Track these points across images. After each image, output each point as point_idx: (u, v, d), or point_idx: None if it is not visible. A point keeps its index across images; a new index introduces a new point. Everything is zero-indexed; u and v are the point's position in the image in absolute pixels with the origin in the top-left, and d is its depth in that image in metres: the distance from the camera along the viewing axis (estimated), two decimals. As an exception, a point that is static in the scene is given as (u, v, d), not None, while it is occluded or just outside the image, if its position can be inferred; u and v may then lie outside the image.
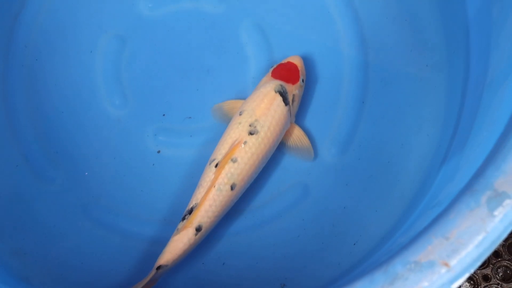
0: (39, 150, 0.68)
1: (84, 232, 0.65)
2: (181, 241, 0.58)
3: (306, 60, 0.69)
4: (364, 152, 0.67)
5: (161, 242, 0.60)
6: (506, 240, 0.69)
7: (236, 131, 0.61)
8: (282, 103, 0.63)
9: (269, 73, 0.66)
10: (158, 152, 0.68)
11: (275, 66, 0.67)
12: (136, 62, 0.71)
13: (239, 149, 0.60)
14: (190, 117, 0.69)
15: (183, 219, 0.59)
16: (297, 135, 0.66)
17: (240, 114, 0.62)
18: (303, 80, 0.67)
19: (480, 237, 0.38)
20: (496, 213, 0.39)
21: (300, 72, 0.66)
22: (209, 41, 0.71)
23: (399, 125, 0.68)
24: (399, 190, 0.65)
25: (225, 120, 0.66)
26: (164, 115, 0.69)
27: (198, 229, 0.58)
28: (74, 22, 0.71)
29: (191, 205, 0.59)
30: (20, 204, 0.65)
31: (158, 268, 0.57)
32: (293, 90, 0.65)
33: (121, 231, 0.65)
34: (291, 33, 0.72)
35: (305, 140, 0.66)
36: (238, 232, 0.65)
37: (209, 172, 0.60)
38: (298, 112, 0.68)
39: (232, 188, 0.60)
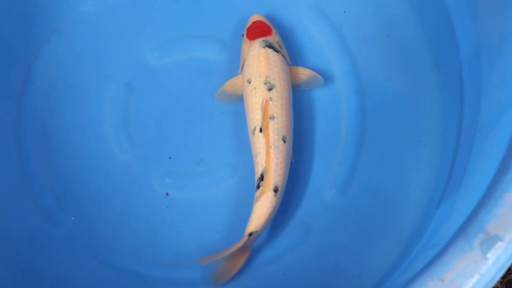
0: (49, 195, 0.70)
1: (94, 274, 0.66)
2: (264, 206, 0.62)
3: (304, 104, 0.73)
4: (363, 192, 0.70)
5: (171, 284, 0.61)
6: (503, 277, 0.71)
7: (257, 95, 0.65)
8: (275, 52, 0.68)
9: (245, 39, 0.71)
10: (167, 194, 0.70)
11: (245, 32, 0.71)
12: (143, 108, 0.73)
13: (271, 107, 0.65)
14: (201, 160, 0.71)
15: (258, 187, 0.63)
16: (300, 72, 0.70)
17: (249, 82, 0.67)
18: (274, 27, 0.72)
19: (474, 279, 0.40)
20: (489, 255, 0.41)
21: (267, 23, 0.71)
22: (212, 87, 0.73)
23: (397, 167, 0.70)
24: (397, 230, 0.67)
25: (233, 100, 0.71)
26: (170, 158, 0.72)
27: (275, 190, 0.63)
28: (83, 71, 0.74)
29: (259, 173, 0.64)
30: (31, 248, 0.67)
31: (250, 234, 0.62)
32: (274, 39, 0.70)
33: (130, 274, 0.67)
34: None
35: (307, 71, 0.70)
36: (240, 273, 0.66)
37: (259, 139, 0.64)
38: (300, 151, 0.71)
39: (284, 140, 0.64)
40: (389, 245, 0.66)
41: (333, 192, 0.70)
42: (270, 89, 0.65)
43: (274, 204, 0.63)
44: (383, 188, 0.70)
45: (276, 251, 0.68)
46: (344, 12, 0.76)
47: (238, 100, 0.70)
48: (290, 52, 0.73)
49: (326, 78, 0.74)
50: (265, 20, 0.72)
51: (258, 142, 0.65)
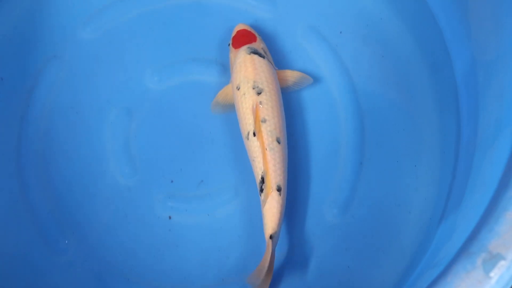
0: (51, 222, 0.70)
1: (98, 301, 0.66)
2: (273, 207, 0.63)
3: (305, 125, 0.73)
4: (364, 212, 0.70)
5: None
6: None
7: (247, 101, 0.67)
8: (260, 58, 0.70)
9: (231, 49, 0.73)
10: (169, 218, 0.70)
11: (231, 42, 0.73)
12: (143, 132, 0.74)
13: (261, 110, 0.66)
14: (201, 181, 0.72)
15: (261, 190, 0.65)
16: (287, 75, 0.72)
17: (238, 89, 0.68)
18: (258, 35, 0.73)
19: (477, 299, 0.40)
20: (492, 274, 0.41)
21: (252, 31, 0.73)
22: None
23: (396, 185, 0.71)
24: (399, 249, 0.67)
25: (227, 109, 0.72)
26: (172, 181, 0.72)
27: (279, 189, 0.64)
28: (83, 97, 0.75)
29: (259, 176, 0.65)
30: (35, 275, 0.67)
31: (271, 237, 0.63)
32: (259, 45, 0.72)
33: (135, 299, 0.67)
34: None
35: (295, 73, 0.73)
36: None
37: (253, 143, 0.66)
38: (300, 171, 0.72)
39: (278, 141, 0.66)
40: (391, 265, 0.66)
41: (334, 212, 0.70)
42: (259, 93, 0.67)
43: (281, 202, 0.64)
44: (384, 207, 0.70)
45: (278, 272, 0.68)
46: (340, 32, 0.77)
47: (232, 109, 0.71)
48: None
49: (324, 99, 0.74)
50: (249, 29, 0.74)
51: (253, 146, 0.66)
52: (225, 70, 0.76)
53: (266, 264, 0.62)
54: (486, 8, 0.61)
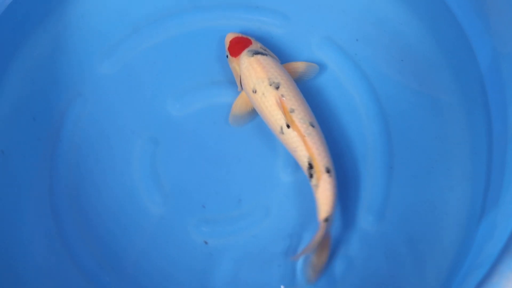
0: (89, 257, 0.71)
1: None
2: (325, 189, 0.64)
3: (330, 133, 0.73)
4: (400, 217, 0.69)
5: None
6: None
7: (269, 98, 0.68)
8: (264, 56, 0.71)
9: (231, 59, 0.73)
10: (205, 243, 0.70)
11: (228, 52, 0.74)
12: (170, 160, 0.74)
13: (286, 102, 0.67)
14: (239, 200, 0.72)
15: (311, 176, 0.65)
16: (294, 66, 0.73)
17: (255, 92, 0.69)
18: (252, 37, 0.75)
19: (527, 298, 0.39)
20: (539, 271, 0.40)
21: (243, 36, 0.74)
22: (236, 132, 0.75)
23: (430, 186, 0.69)
24: (441, 251, 0.66)
25: (246, 119, 0.73)
26: (204, 206, 0.72)
27: (328, 171, 0.65)
28: (108, 131, 0.75)
29: (306, 162, 0.66)
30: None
31: (326, 220, 0.63)
32: (257, 45, 0.73)
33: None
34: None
35: (301, 64, 0.74)
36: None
37: (290, 134, 0.66)
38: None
39: (313, 126, 0.66)
40: (435, 268, 0.65)
41: (370, 220, 0.69)
42: (277, 88, 0.68)
43: (333, 184, 0.64)
44: (419, 210, 0.69)
45: (320, 285, 0.67)
46: (357, 40, 0.77)
47: (251, 116, 0.73)
48: (306, 84, 0.75)
49: (347, 106, 0.74)
50: (240, 34, 0.74)
51: (291, 137, 0.66)
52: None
53: (314, 245, 0.63)
54: (504, 4, 0.60)
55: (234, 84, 0.76)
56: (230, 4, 0.80)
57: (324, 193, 0.64)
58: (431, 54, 0.75)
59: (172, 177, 0.73)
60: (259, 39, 0.77)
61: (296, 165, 0.72)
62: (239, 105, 0.73)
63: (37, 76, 0.78)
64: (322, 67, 0.76)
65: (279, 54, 0.76)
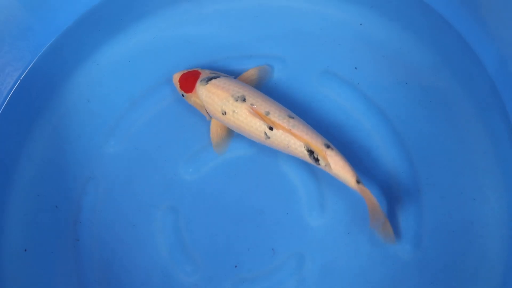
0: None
1: None
2: (337, 160, 0.65)
3: (355, 159, 0.71)
4: (438, 240, 0.67)
5: None
6: None
7: (242, 112, 0.69)
8: (217, 79, 0.72)
9: (187, 96, 0.74)
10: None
11: (182, 91, 0.74)
12: (194, 226, 0.72)
13: (258, 108, 0.68)
14: (272, 250, 0.70)
15: (317, 160, 0.66)
16: (249, 74, 0.76)
17: (225, 113, 0.70)
18: (196, 68, 0.76)
19: None
20: None
21: (189, 70, 0.75)
22: (253, 182, 0.73)
23: (462, 203, 0.68)
24: (488, 268, 0.64)
25: (228, 140, 0.75)
26: (236, 266, 0.70)
27: (328, 146, 0.66)
28: (126, 208, 0.74)
29: (305, 150, 0.66)
30: None
31: (358, 182, 0.64)
32: (206, 73, 0.74)
33: None
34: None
35: (252, 71, 0.76)
36: None
37: (277, 135, 0.67)
38: (359, 214, 0.70)
39: (291, 117, 0.68)
40: (486, 286, 0.63)
41: (407, 248, 0.67)
42: (244, 100, 0.69)
43: (339, 153, 0.66)
44: (457, 230, 0.67)
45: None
46: (356, 68, 0.76)
47: (231, 137, 0.74)
48: (321, 123, 0.74)
49: (359, 135, 0.73)
50: (185, 70, 0.75)
51: (279, 137, 0.67)
52: (253, 142, 0.75)
53: (375, 202, 0.63)
54: (500, 5, 0.59)
55: (242, 136, 0.75)
56: (223, 58, 0.79)
57: (338, 164, 0.65)
58: (435, 67, 0.74)
59: (199, 243, 0.71)
60: (258, 88, 0.76)
61: (321, 207, 0.70)
62: (215, 131, 0.74)
63: (45, 166, 0.76)
64: (328, 101, 0.76)
65: (282, 97, 0.75)
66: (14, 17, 0.78)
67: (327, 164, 0.65)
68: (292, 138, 0.66)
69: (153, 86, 0.79)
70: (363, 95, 0.75)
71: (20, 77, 0.80)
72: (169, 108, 0.78)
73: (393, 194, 0.70)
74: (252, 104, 0.68)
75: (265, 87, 0.77)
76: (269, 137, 0.68)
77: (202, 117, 0.76)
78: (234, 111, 0.69)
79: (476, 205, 0.67)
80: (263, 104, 0.68)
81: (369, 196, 0.64)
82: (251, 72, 0.76)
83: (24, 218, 0.74)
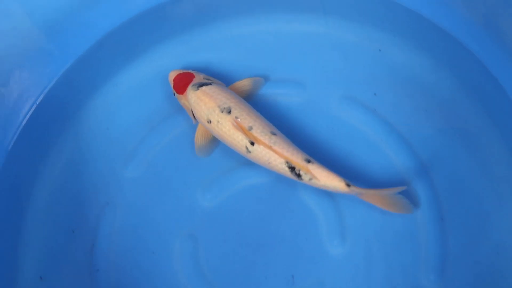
0: None
1: None
2: (321, 171, 0.65)
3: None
4: (462, 269, 0.66)
5: None
6: None
7: (225, 124, 0.69)
8: (209, 86, 0.72)
9: (179, 96, 0.75)
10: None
11: (174, 91, 0.75)
12: (213, 254, 0.71)
13: (242, 122, 0.69)
14: (292, 276, 0.69)
15: (299, 175, 0.66)
16: (240, 85, 0.76)
17: (210, 122, 0.70)
18: (193, 70, 0.77)
19: None
20: None
21: (185, 72, 0.76)
22: (271, 208, 0.72)
23: (487, 230, 0.67)
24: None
25: (211, 146, 0.75)
26: (257, 294, 0.69)
27: (309, 161, 0.66)
28: (144, 235, 0.72)
29: (286, 167, 0.67)
30: None
31: (348, 185, 0.65)
32: (199, 77, 0.75)
33: None
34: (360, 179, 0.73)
35: (245, 81, 0.77)
36: None
37: (257, 150, 0.68)
38: (381, 244, 0.69)
39: (274, 133, 0.68)
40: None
41: (431, 278, 0.66)
42: (229, 112, 0.69)
43: (321, 165, 0.66)
44: (482, 258, 0.66)
45: None
46: (375, 94, 0.76)
47: (215, 144, 0.75)
48: (338, 149, 0.73)
49: (380, 161, 0.72)
50: (182, 71, 0.76)
51: (259, 152, 0.68)
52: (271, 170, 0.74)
53: (374, 191, 0.65)
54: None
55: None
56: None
57: (322, 174, 0.65)
58: (454, 93, 0.74)
59: (218, 271, 0.70)
60: (277, 112, 0.75)
61: (342, 236, 0.69)
62: (200, 136, 0.74)
63: (61, 191, 0.75)
64: (347, 126, 0.75)
65: (300, 122, 0.74)
66: (33, 42, 0.77)
67: (312, 177, 0.66)
68: (273, 154, 0.67)
69: (170, 111, 0.79)
70: (384, 121, 0.74)
71: (37, 102, 0.79)
72: (187, 134, 0.77)
73: (416, 222, 0.69)
74: (236, 117, 0.69)
75: (283, 111, 0.76)
76: (250, 152, 0.69)
77: (220, 144, 0.76)
78: (218, 121, 0.70)
79: (502, 232, 0.66)
80: (247, 118, 0.69)
81: (365, 191, 0.65)
82: (245, 83, 0.77)
83: (40, 244, 0.73)
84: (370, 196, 0.66)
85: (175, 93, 0.75)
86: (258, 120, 0.69)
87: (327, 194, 0.71)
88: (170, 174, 0.75)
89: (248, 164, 0.74)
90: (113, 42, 0.84)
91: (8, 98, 0.77)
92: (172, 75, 0.76)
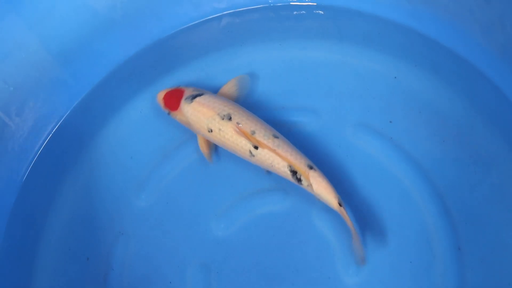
0: None
1: None
2: (320, 181, 0.66)
3: (387, 226, 0.69)
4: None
5: None
6: None
7: (227, 131, 0.70)
8: (202, 96, 0.73)
9: (174, 113, 0.75)
10: None
11: (167, 110, 0.75)
12: (226, 283, 0.70)
13: (244, 127, 0.69)
14: None
15: (300, 180, 0.67)
16: (228, 88, 0.77)
17: (211, 131, 0.71)
18: (178, 86, 0.77)
19: None
20: None
21: (173, 89, 0.76)
22: (285, 239, 0.71)
23: (506, 265, 0.65)
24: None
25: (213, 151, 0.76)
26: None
27: (311, 167, 0.67)
28: (157, 265, 0.72)
29: (288, 170, 0.67)
30: None
31: (340, 204, 0.65)
32: (190, 91, 0.75)
33: None
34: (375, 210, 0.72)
35: (231, 83, 0.77)
36: None
37: (261, 154, 0.68)
38: (398, 275, 0.67)
39: (276, 137, 0.69)
40: None
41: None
42: (230, 119, 0.70)
43: (322, 175, 0.66)
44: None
45: None
46: (390, 122, 0.75)
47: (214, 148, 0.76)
48: (355, 180, 0.73)
49: (396, 190, 0.71)
50: (169, 89, 0.76)
51: (263, 156, 0.68)
52: (287, 193, 0.73)
53: (353, 228, 0.65)
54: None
55: (275, 190, 0.74)
56: (255, 108, 0.78)
57: (320, 184, 0.66)
58: (471, 121, 0.73)
59: (231, 301, 0.69)
60: (292, 139, 0.74)
61: (358, 264, 0.68)
62: (203, 145, 0.75)
63: (74, 219, 0.75)
64: (362, 154, 0.74)
65: (314, 150, 0.74)
66: (47, 72, 0.78)
67: (309, 185, 0.66)
68: (276, 157, 0.68)
69: (183, 139, 0.79)
70: (400, 149, 0.73)
71: (52, 131, 0.80)
72: (200, 162, 0.77)
73: (432, 252, 0.68)
74: (238, 123, 0.69)
75: (298, 138, 0.75)
76: (253, 155, 0.69)
77: (235, 171, 0.75)
78: (220, 129, 0.70)
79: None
80: (249, 123, 0.69)
81: (348, 221, 0.65)
82: (231, 85, 0.77)
83: (54, 271, 0.73)
84: (347, 221, 0.66)
85: (169, 111, 0.75)
86: (259, 124, 0.70)
87: (342, 223, 0.70)
88: (183, 203, 0.75)
89: (262, 191, 0.74)
90: (127, 71, 0.84)
91: (22, 128, 0.78)
92: (160, 95, 0.77)
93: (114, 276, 0.72)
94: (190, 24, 0.86)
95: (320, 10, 0.84)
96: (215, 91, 0.78)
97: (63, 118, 0.80)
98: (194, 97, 0.73)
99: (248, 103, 0.79)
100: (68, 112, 0.81)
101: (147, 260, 0.72)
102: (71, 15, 0.78)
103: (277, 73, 0.81)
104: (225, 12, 0.87)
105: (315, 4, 0.84)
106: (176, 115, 0.75)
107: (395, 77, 0.78)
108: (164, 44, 0.86)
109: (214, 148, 0.77)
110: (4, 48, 0.74)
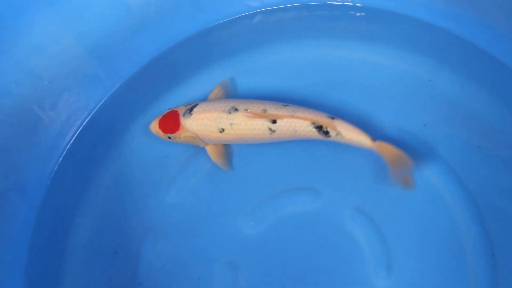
0: None
1: None
2: (347, 126, 0.68)
3: (422, 232, 0.68)
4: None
5: None
6: None
7: (240, 120, 0.70)
8: (198, 106, 0.72)
9: (176, 135, 0.73)
10: None
11: (168, 134, 0.73)
12: (253, 281, 0.70)
13: (254, 110, 0.70)
14: None
15: (327, 133, 0.68)
16: (216, 92, 0.78)
17: (223, 131, 0.71)
18: (169, 108, 0.75)
19: None
20: None
21: (165, 113, 0.74)
22: (315, 239, 0.71)
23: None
24: None
25: (227, 156, 0.75)
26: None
27: (333, 118, 0.69)
28: (185, 261, 0.72)
29: (313, 128, 0.69)
30: None
31: (373, 140, 0.67)
32: (183, 108, 0.73)
33: None
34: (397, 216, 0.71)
35: (218, 88, 0.78)
36: None
37: (282, 124, 0.69)
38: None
39: (286, 105, 0.70)
40: None
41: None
42: (236, 110, 0.70)
43: (346, 121, 0.68)
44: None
45: None
46: (425, 125, 0.74)
47: (228, 154, 0.76)
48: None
49: (428, 190, 0.70)
50: (161, 115, 0.74)
51: (285, 125, 0.69)
52: (316, 192, 0.73)
53: (399, 152, 0.65)
54: None
55: (304, 189, 0.73)
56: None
57: (348, 129, 0.68)
58: (506, 123, 0.72)
59: (258, 300, 0.69)
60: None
61: (388, 267, 0.67)
62: (215, 154, 0.75)
63: (104, 214, 0.76)
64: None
65: (346, 147, 0.72)
66: (81, 67, 0.79)
67: (338, 133, 0.68)
68: (297, 121, 0.69)
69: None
70: (433, 152, 0.72)
71: (83, 124, 0.80)
72: (233, 158, 0.77)
73: (464, 258, 0.67)
74: (245, 110, 0.70)
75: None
76: (274, 131, 0.70)
77: (264, 170, 0.75)
78: (232, 124, 0.70)
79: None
80: (256, 106, 0.70)
81: (390, 148, 0.66)
82: (216, 91, 0.78)
83: (82, 266, 0.73)
84: (392, 153, 0.66)
85: (170, 135, 0.73)
86: (265, 103, 0.71)
87: (373, 224, 0.70)
88: (212, 200, 0.75)
89: (293, 190, 0.73)
90: (158, 67, 0.85)
91: (55, 121, 0.78)
92: (154, 125, 0.74)
93: (143, 270, 0.72)
94: (222, 21, 0.86)
95: (355, 11, 0.83)
96: (248, 91, 0.78)
97: (94, 112, 0.81)
98: (191, 109, 0.72)
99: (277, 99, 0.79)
100: (100, 106, 0.81)
101: (176, 255, 0.72)
102: (106, 12, 0.78)
103: (307, 72, 0.81)
104: (257, 10, 0.86)
105: (351, 4, 0.83)
106: (180, 134, 0.73)
107: (430, 80, 0.77)
108: (195, 41, 0.86)
109: (231, 153, 0.76)
110: (40, 43, 0.75)
